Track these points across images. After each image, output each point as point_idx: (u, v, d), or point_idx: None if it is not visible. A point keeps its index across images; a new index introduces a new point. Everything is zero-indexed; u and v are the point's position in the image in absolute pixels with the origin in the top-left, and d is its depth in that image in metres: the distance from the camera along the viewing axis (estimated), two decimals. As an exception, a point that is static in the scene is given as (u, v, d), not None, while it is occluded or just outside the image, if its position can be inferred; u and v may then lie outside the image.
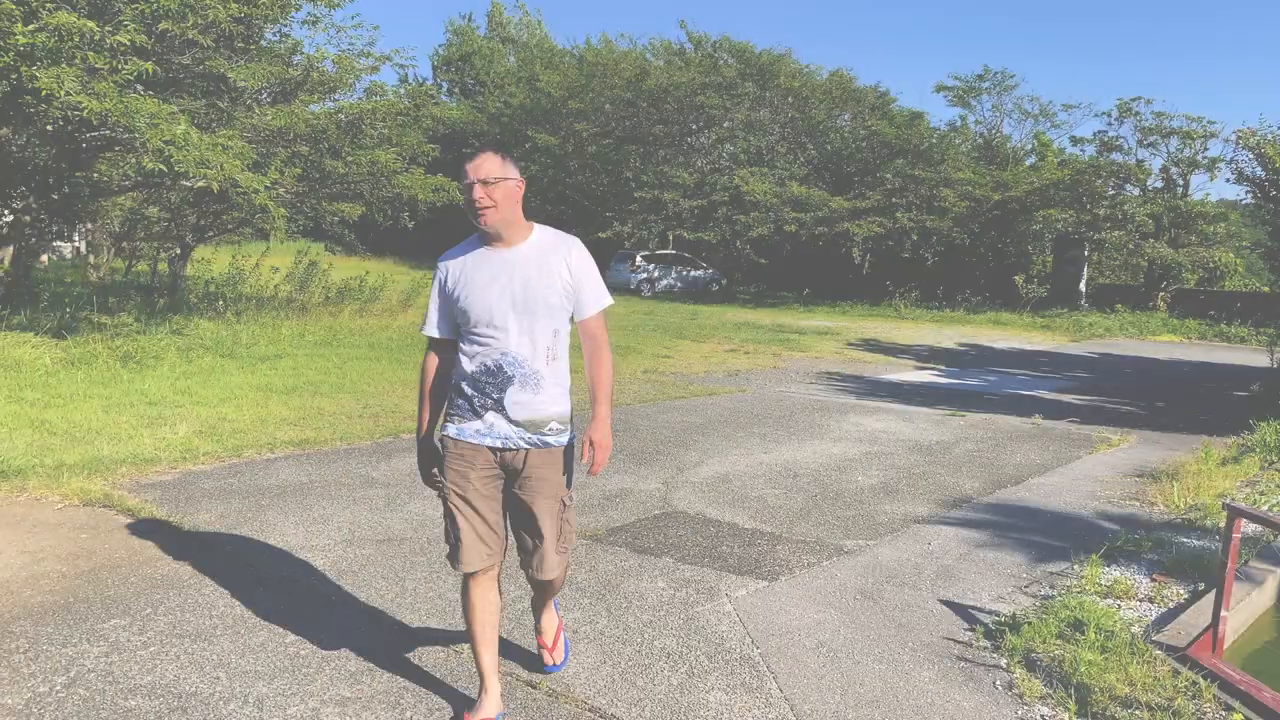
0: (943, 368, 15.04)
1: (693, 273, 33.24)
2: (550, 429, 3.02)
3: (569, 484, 3.13)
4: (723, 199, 31.67)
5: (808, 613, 4.21)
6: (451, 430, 3.05)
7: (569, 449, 3.12)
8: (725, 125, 34.47)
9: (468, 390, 3.02)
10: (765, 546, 5.17)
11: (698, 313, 24.40)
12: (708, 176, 33.50)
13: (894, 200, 29.65)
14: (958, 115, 41.42)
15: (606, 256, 34.82)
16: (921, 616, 4.22)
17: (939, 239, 30.71)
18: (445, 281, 3.06)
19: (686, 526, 5.50)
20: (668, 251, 34.24)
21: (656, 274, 32.22)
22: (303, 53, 15.09)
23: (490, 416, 3.00)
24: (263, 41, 14.69)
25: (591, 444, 2.98)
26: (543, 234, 3.07)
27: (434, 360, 3.15)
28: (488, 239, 3.02)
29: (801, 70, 32.88)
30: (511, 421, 2.99)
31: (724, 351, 15.70)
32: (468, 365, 3.01)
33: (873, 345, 18.22)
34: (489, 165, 2.92)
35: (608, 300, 3.11)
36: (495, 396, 2.99)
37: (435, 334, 3.13)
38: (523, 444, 3.02)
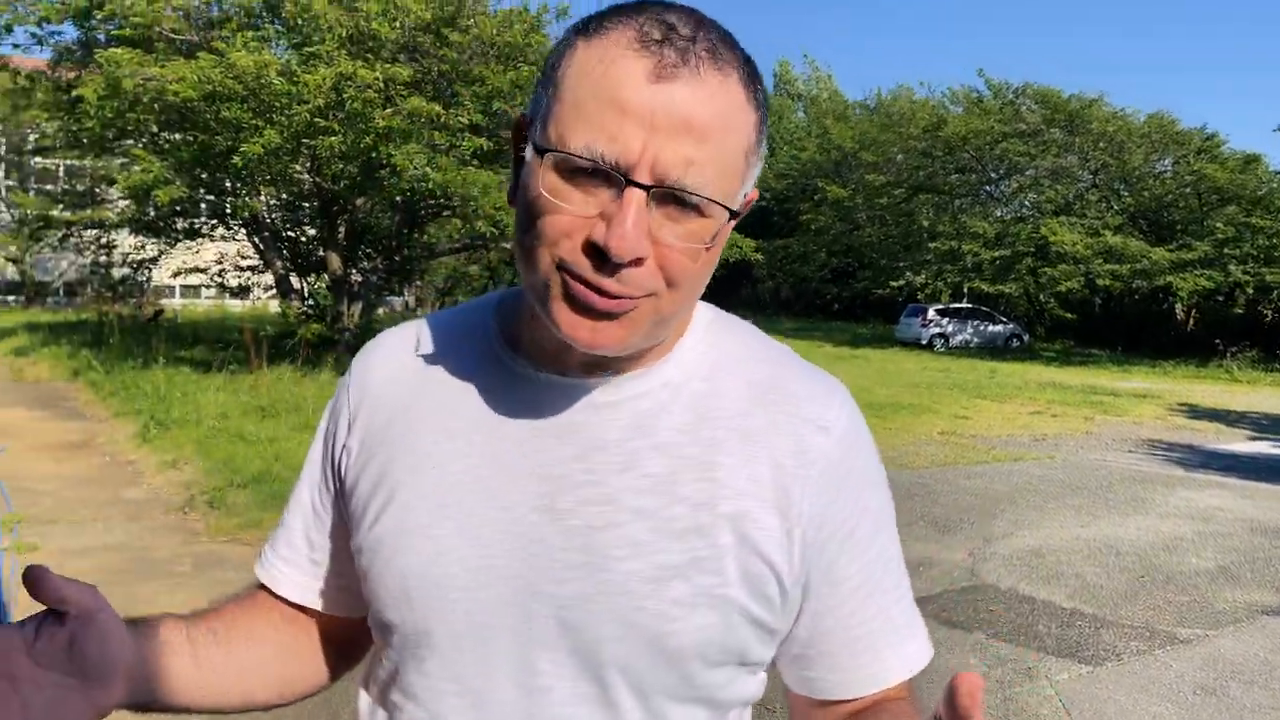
0: (1287, 438, 13.44)
1: (990, 327, 31.74)
2: None
3: None
4: (1027, 249, 30.16)
5: (1139, 703, 3.94)
6: None
7: None
8: (1028, 173, 32.94)
9: None
10: (1087, 628, 4.87)
11: (996, 370, 23.28)
12: (1009, 226, 32.07)
13: (1225, 251, 27.01)
14: (1303, 155, 37.18)
15: (896, 309, 34.18)
16: (1276, 722, 3.83)
17: (1280, 293, 27.63)
18: (341, 453, 0.88)
19: (998, 601, 5.29)
20: (963, 305, 32.99)
21: (950, 329, 31.05)
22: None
23: None
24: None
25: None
26: (709, 349, 0.84)
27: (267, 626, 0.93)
28: (533, 340, 0.81)
29: (1115, 114, 30.83)
30: None
31: (1027, 414, 14.88)
32: None
33: (1201, 411, 16.58)
34: (710, 137, 0.69)
35: (926, 650, 0.90)
36: None
37: (283, 591, 0.93)
38: None
